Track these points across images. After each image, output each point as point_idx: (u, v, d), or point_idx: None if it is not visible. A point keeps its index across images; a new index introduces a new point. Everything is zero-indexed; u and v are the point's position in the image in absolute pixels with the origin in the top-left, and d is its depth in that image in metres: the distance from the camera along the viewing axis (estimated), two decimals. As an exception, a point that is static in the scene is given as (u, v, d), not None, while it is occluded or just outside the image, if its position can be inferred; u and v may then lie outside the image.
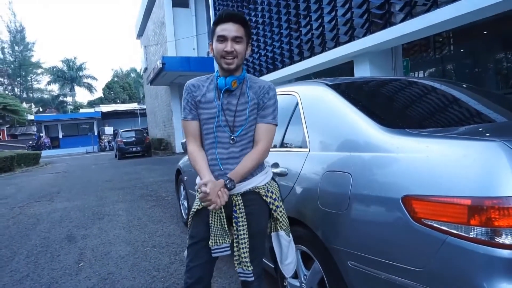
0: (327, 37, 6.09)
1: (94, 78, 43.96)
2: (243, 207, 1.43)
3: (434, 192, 1.10)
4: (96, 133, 31.85)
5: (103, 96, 44.35)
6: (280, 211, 1.51)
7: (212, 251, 1.44)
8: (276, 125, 1.50)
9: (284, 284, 1.91)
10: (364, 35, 5.17)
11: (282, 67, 7.68)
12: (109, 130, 30.26)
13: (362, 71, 5.57)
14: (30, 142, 28.25)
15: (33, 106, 37.91)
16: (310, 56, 6.64)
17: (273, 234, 1.54)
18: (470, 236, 1.02)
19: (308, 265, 1.74)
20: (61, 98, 43.84)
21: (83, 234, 3.95)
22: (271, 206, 1.49)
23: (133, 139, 16.81)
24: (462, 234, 1.04)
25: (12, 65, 40.65)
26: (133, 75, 46.80)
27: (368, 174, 1.37)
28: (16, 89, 41.69)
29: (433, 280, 1.10)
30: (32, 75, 43.21)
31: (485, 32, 5.54)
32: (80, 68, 42.45)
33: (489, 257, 0.99)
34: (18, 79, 41.25)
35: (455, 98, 1.98)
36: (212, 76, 1.53)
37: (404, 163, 1.24)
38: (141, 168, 11.10)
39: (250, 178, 1.45)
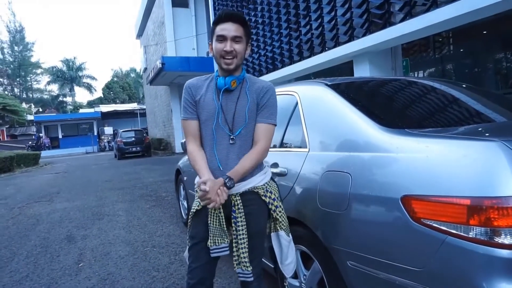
0: (326, 37, 6.09)
1: (93, 78, 43.99)
2: (242, 207, 1.43)
3: (434, 192, 1.10)
4: (95, 133, 31.84)
5: (102, 96, 44.33)
6: (279, 211, 1.51)
7: (211, 251, 1.44)
8: (275, 125, 1.50)
9: (285, 284, 1.91)
10: (364, 35, 5.17)
11: (282, 67, 7.68)
12: (108, 130, 30.25)
13: (362, 71, 5.58)
14: (30, 142, 28.23)
15: (32, 106, 37.94)
16: (309, 56, 6.65)
17: (273, 234, 1.54)
18: (470, 236, 1.02)
19: (308, 265, 1.74)
20: (60, 98, 43.80)
21: (82, 235, 3.94)
22: (270, 206, 1.49)
23: (133, 139, 16.80)
24: (462, 234, 1.04)
25: (11, 65, 40.62)
26: (132, 75, 46.77)
27: (368, 174, 1.37)
28: (15, 89, 41.66)
29: (433, 280, 1.10)
30: (31, 75, 43.18)
31: (485, 32, 5.54)
32: (79, 68, 42.43)
33: (489, 257, 0.99)
34: (18, 79, 41.22)
35: (454, 98, 1.98)
36: (211, 76, 1.53)
37: (404, 163, 1.24)
38: (140, 168, 11.10)
39: (249, 178, 1.45)
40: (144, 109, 27.45)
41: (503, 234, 0.99)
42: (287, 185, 1.82)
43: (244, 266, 1.43)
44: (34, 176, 11.47)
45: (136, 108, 31.79)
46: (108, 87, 44.23)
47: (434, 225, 1.09)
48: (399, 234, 1.20)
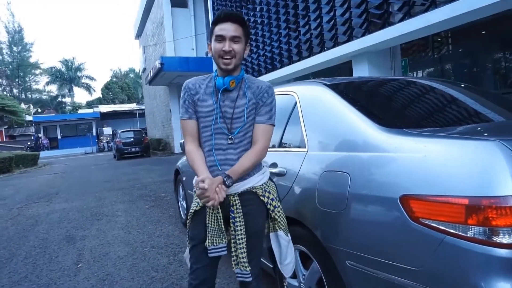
0: (325, 37, 6.10)
1: (92, 79, 43.96)
2: (240, 207, 1.43)
3: (432, 191, 1.11)
4: (94, 134, 31.81)
5: (101, 97, 44.28)
6: (278, 211, 1.51)
7: (209, 251, 1.44)
8: (274, 125, 1.50)
9: (284, 284, 1.91)
10: (363, 35, 5.18)
11: (281, 67, 7.69)
12: (107, 130, 30.20)
13: (361, 71, 5.58)
14: (29, 143, 28.19)
15: (31, 107, 37.89)
16: (308, 56, 6.65)
17: (271, 234, 1.54)
18: (468, 235, 1.02)
19: (307, 265, 1.74)
20: (59, 99, 43.76)
21: (81, 235, 3.94)
22: (268, 206, 1.49)
23: (132, 139, 16.78)
24: (460, 233, 1.04)
25: (10, 66, 40.58)
26: (131, 75, 46.76)
27: (366, 174, 1.37)
28: (14, 90, 41.60)
29: (431, 280, 1.10)
30: (30, 75, 43.14)
31: (483, 32, 5.55)
32: (78, 69, 42.38)
33: (487, 256, 0.99)
34: (17, 79, 41.17)
35: (453, 97, 1.98)
36: (210, 76, 1.53)
37: (402, 163, 1.25)
38: (139, 169, 11.09)
39: (248, 178, 1.45)
40: (143, 109, 27.43)
41: (501, 234, 0.99)
42: (286, 185, 1.82)
43: (242, 266, 1.43)
44: (33, 176, 11.45)
45: (135, 108, 31.77)
46: (107, 88, 44.18)
47: (432, 224, 1.09)
48: (397, 233, 1.20)
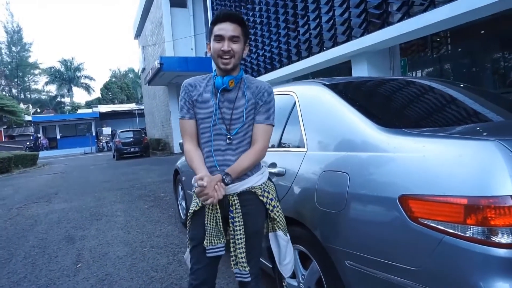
0: (325, 37, 6.10)
1: (92, 79, 43.90)
2: (239, 207, 1.43)
3: (431, 191, 1.11)
4: (94, 134, 31.77)
5: (101, 97, 44.24)
6: (277, 211, 1.51)
7: (207, 251, 1.44)
8: (273, 125, 1.51)
9: (283, 284, 1.91)
10: (362, 35, 5.19)
11: (280, 67, 7.69)
12: (107, 130, 30.17)
13: (360, 71, 5.59)
14: (28, 143, 28.14)
15: (30, 107, 37.88)
16: (308, 56, 6.65)
17: (270, 234, 1.54)
18: (467, 235, 1.02)
19: (306, 265, 1.75)
20: (58, 99, 43.70)
21: (81, 235, 3.93)
22: (267, 206, 1.49)
23: (131, 139, 16.77)
24: (459, 233, 1.04)
25: (9, 66, 40.53)
26: (131, 75, 46.71)
27: (365, 174, 1.37)
28: (13, 90, 41.55)
29: (430, 279, 1.10)
30: (29, 75, 43.08)
31: (482, 32, 5.56)
32: (77, 69, 42.33)
33: (486, 256, 0.99)
34: (16, 80, 41.11)
35: (452, 97, 1.98)
36: (210, 76, 1.53)
37: (401, 163, 1.25)
38: (139, 169, 11.08)
39: (247, 178, 1.45)
40: (143, 109, 27.41)
41: (500, 233, 0.99)
42: (285, 185, 1.83)
43: (241, 266, 1.42)
44: (32, 176, 11.44)
45: (135, 108, 31.74)
46: (106, 88, 44.14)
47: (431, 224, 1.09)
48: (396, 233, 1.20)
